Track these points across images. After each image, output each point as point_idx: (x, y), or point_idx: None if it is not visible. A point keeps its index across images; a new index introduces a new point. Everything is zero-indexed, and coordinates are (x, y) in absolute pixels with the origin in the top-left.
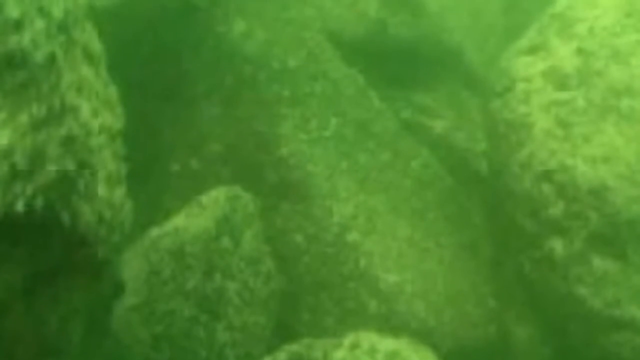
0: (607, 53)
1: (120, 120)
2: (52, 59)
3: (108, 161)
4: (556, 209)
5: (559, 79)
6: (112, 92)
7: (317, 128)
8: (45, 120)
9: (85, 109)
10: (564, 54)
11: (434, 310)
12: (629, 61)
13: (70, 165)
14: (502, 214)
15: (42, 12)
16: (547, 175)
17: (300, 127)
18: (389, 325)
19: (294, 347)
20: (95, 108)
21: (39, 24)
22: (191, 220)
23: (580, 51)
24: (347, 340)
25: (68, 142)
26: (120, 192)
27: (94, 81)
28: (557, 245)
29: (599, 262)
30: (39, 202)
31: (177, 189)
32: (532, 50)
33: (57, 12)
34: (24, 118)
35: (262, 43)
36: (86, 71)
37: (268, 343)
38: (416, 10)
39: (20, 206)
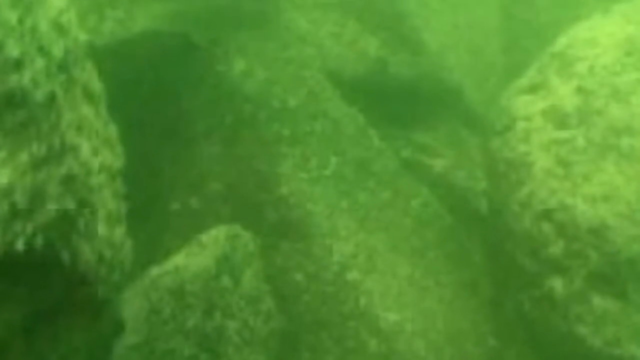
0: (607, 92)
1: (120, 159)
2: (52, 98)
3: (108, 200)
4: (556, 248)
5: (559, 118)
6: (112, 131)
7: (317, 167)
8: (46, 159)
9: (85, 148)
10: (564, 93)
11: (434, 349)
12: (629, 100)
13: (71, 204)
14: (502, 253)
15: (42, 51)
16: (547, 214)
17: (300, 166)
18: None
19: None
20: (96, 147)
21: (39, 63)
22: (191, 259)
23: (580, 90)
24: None
25: (68, 181)
26: (120, 231)
27: (94, 120)
28: (557, 284)
29: (599, 301)
30: (39, 241)
31: (177, 228)
32: (532, 89)
33: (57, 51)
34: (24, 157)
35: (262, 82)
36: (86, 110)
37: None
38: (416, 49)
39: (20, 245)
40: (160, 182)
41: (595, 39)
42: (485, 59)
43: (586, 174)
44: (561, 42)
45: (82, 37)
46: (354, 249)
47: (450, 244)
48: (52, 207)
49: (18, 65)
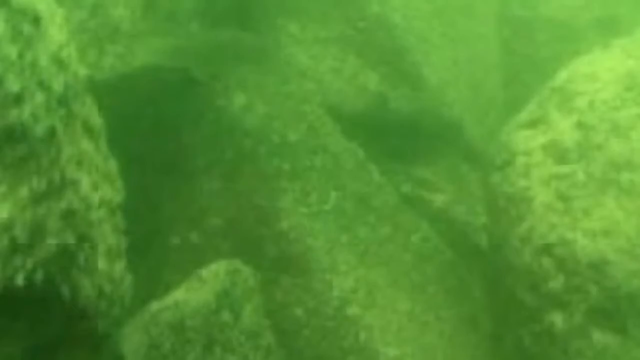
0: (607, 127)
1: (120, 193)
2: (52, 132)
3: (108, 235)
4: (556, 283)
5: (559, 153)
6: (112, 165)
7: (317, 202)
8: (46, 194)
9: (85, 183)
10: (564, 128)
11: None
12: (629, 135)
13: (71, 239)
14: (502, 288)
15: (42, 85)
16: (547, 249)
17: (300, 201)
18: None
19: None
20: (95, 182)
21: (39, 97)
22: (191, 294)
23: (580, 125)
24: None
25: (68, 215)
26: (120, 266)
27: (94, 155)
28: (557, 319)
29: (599, 336)
30: (39, 276)
31: (177, 263)
32: (532, 123)
33: (57, 85)
34: (24, 191)
35: (262, 117)
36: (86, 145)
37: None
38: (416, 84)
39: (20, 280)
40: (160, 217)
41: (595, 73)
42: (485, 93)
43: (586, 208)
44: (561, 76)
45: (82, 71)
46: (354, 284)
47: (450, 278)
48: (52, 241)
49: (18, 99)
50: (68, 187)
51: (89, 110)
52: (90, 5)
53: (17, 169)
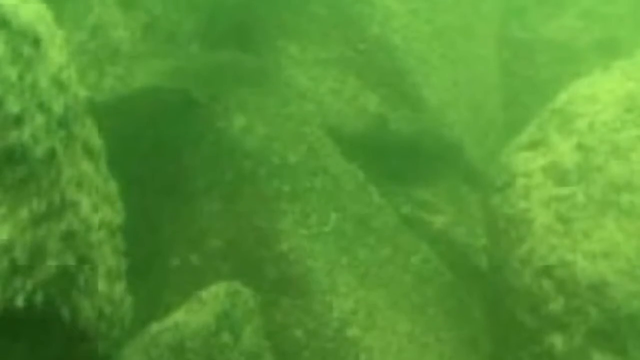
0: (607, 148)
1: (120, 215)
2: (52, 154)
3: (108, 256)
4: (556, 305)
5: (559, 175)
6: (112, 187)
7: (317, 223)
8: (46, 216)
9: (85, 204)
10: (564, 150)
11: None
12: (629, 157)
13: (71, 261)
14: (502, 309)
15: (42, 107)
16: (547, 271)
17: (300, 223)
18: None
19: None
20: (95, 203)
21: (39, 119)
22: (191, 316)
23: (580, 147)
24: None
25: (68, 237)
26: (120, 288)
27: (94, 176)
28: (557, 341)
29: (599, 358)
30: (39, 298)
31: (177, 284)
32: (532, 145)
33: (57, 107)
34: (24, 213)
35: (262, 138)
36: (86, 166)
37: None
38: (416, 106)
39: (20, 301)
40: (160, 239)
41: (595, 95)
42: (485, 115)
43: (586, 230)
44: (561, 98)
45: (82, 93)
46: (354, 306)
47: (450, 300)
48: (52, 263)
49: (18, 121)
50: (68, 208)
51: (89, 132)
52: (90, 26)
53: (17, 190)
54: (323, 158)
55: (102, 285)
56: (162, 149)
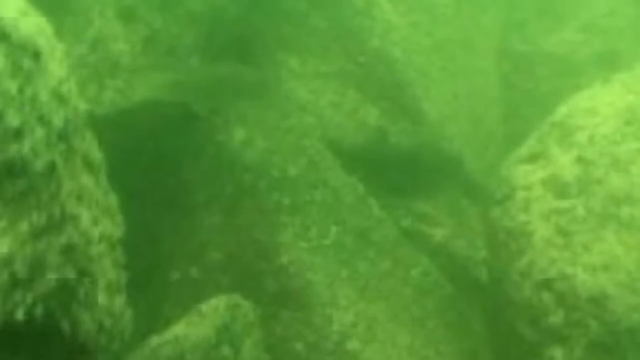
0: (607, 161)
1: (120, 228)
2: (52, 167)
3: (108, 269)
4: (556, 317)
5: (559, 187)
6: (112, 200)
7: (317, 236)
8: (46, 229)
9: (85, 218)
10: (564, 162)
11: None
12: (629, 169)
13: (71, 274)
14: (502, 322)
15: (42, 120)
16: (547, 284)
17: (300, 236)
18: None
19: None
20: (95, 216)
21: (39, 132)
22: (191, 329)
23: (580, 159)
24: None
25: (68, 250)
26: (120, 301)
27: (94, 189)
28: (557, 354)
29: None
30: (39, 311)
31: (177, 298)
32: (532, 158)
33: (57, 120)
34: (24, 226)
35: (262, 151)
36: (86, 179)
37: None
38: (416, 119)
39: (20, 314)
40: (160, 252)
41: (595, 108)
42: (485, 128)
43: (586, 243)
44: (561, 111)
45: (82, 106)
46: (354, 319)
47: (450, 313)
48: (52, 276)
49: (18, 134)
50: (68, 221)
51: (89, 145)
52: (90, 40)
53: (17, 203)
54: (323, 171)
55: (102, 298)
56: (162, 162)
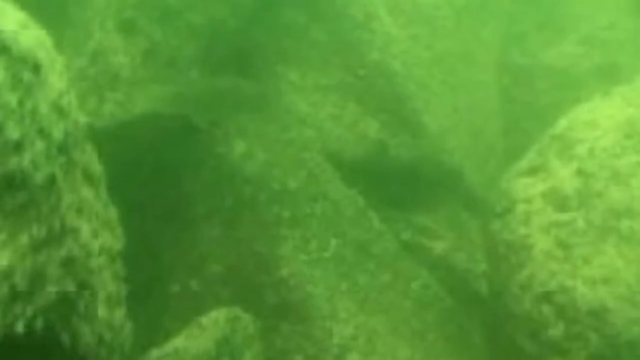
0: (607, 174)
1: (120, 241)
2: (52, 180)
3: (108, 282)
4: (556, 330)
5: (559, 200)
6: (112, 213)
7: (317, 249)
8: (46, 242)
9: (85, 230)
10: (564, 175)
11: None
12: (629, 182)
13: (71, 287)
14: (502, 335)
15: (42, 133)
16: (547, 297)
17: (300, 248)
18: None
19: None
20: (95, 229)
21: (39, 145)
22: (191, 342)
23: (580, 172)
24: None
25: (68, 263)
26: (120, 313)
27: (94, 202)
28: None
29: None
30: (39, 323)
31: (177, 310)
32: (532, 171)
33: (57, 133)
34: (24, 239)
35: (262, 164)
36: (86, 192)
37: None
38: (416, 132)
39: (20, 327)
40: (160, 264)
41: (595, 121)
42: (485, 141)
43: (586, 256)
44: (561, 124)
45: (82, 119)
46: (354, 331)
47: (450, 326)
48: (52, 289)
49: (18, 147)
50: (68, 234)
51: (89, 158)
52: (90, 52)
53: (17, 216)
54: (323, 184)
55: (102, 311)
56: (162, 174)
